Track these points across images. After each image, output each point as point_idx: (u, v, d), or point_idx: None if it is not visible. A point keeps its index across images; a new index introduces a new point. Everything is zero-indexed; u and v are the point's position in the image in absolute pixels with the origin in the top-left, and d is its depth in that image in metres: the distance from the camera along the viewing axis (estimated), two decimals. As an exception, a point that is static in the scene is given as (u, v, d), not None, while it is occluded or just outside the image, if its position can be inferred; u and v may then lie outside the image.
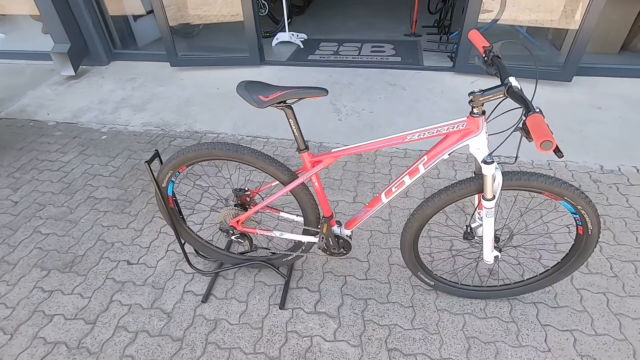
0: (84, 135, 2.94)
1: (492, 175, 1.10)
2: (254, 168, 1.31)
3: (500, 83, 0.99)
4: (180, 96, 3.40)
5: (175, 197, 1.54)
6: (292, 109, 1.14)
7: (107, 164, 2.60)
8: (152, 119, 3.11)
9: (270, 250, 1.71)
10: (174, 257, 1.87)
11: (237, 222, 1.45)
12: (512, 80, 0.96)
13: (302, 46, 4.24)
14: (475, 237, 1.41)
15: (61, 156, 2.70)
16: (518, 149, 1.03)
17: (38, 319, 1.61)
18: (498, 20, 3.47)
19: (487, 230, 1.25)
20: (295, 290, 1.68)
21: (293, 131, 1.18)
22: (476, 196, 1.30)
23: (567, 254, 1.38)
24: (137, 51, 4.17)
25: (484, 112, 1.04)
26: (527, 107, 0.86)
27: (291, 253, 1.59)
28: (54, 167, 2.58)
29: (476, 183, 1.19)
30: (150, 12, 4.48)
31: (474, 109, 1.03)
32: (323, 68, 3.72)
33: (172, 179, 1.41)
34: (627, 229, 1.90)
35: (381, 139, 1.16)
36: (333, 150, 1.23)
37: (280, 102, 1.11)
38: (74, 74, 3.78)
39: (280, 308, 1.60)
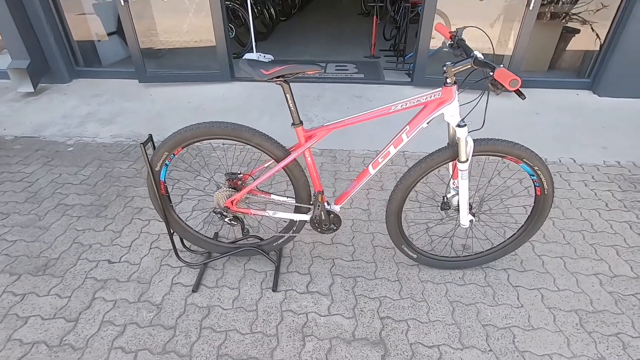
0: (48, 148, 2.82)
1: (465, 138, 1.28)
2: (250, 146, 1.39)
3: (467, 57, 1.18)
4: (150, 110, 3.40)
5: (166, 184, 1.56)
6: (288, 83, 1.26)
7: (77, 173, 2.51)
8: (122, 131, 3.07)
9: (259, 237, 1.75)
10: (159, 253, 1.84)
11: (232, 202, 1.49)
12: (477, 53, 1.16)
13: (269, 65, 4.43)
14: (451, 208, 1.57)
15: (23, 167, 2.57)
16: (485, 113, 1.22)
17: (11, 321, 1.50)
18: (444, 48, 3.92)
19: (462, 193, 1.41)
20: (286, 275, 1.72)
21: (289, 105, 1.29)
22: (451, 166, 1.47)
23: (529, 215, 1.57)
24: (102, 69, 4.12)
25: (455, 82, 1.23)
26: (492, 66, 1.05)
27: (283, 235, 1.65)
28: (15, 178, 2.44)
29: (451, 150, 1.36)
30: (114, 33, 4.49)
31: (447, 79, 1.22)
32: (292, 84, 3.90)
33: (167, 162, 1.45)
34: (572, 205, 2.18)
35: (368, 111, 1.31)
36: (325, 124, 1.35)
37: (279, 77, 1.22)
38: (32, 90, 3.64)
39: (273, 291, 1.63)
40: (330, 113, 3.32)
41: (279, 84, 1.25)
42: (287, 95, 1.27)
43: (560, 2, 4.01)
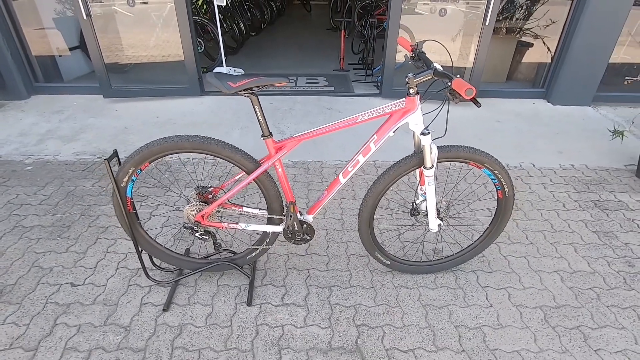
0: (3, 168, 2.67)
1: (430, 145, 1.33)
2: (220, 159, 1.38)
3: (428, 68, 1.24)
4: (115, 126, 3.29)
5: (133, 200, 1.51)
6: (257, 96, 1.27)
7: (36, 193, 2.38)
8: (85, 148, 2.95)
9: (232, 251, 1.72)
10: (126, 273, 1.77)
11: (203, 216, 1.47)
12: (436, 65, 1.22)
13: (240, 79, 4.43)
14: (420, 213, 1.62)
15: (-25, 189, 2.41)
16: (446, 121, 1.28)
17: (-40, 355, 1.39)
18: (408, 62, 4.09)
19: (430, 198, 1.46)
20: (261, 288, 1.70)
21: (258, 118, 1.30)
22: (417, 173, 1.53)
23: (493, 217, 1.65)
24: (63, 84, 3.96)
25: (417, 93, 1.29)
26: (450, 77, 1.11)
27: (256, 247, 1.63)
28: (-34, 201, 2.28)
29: (417, 158, 1.41)
30: (76, 47, 4.35)
31: (410, 90, 1.27)
32: (263, 97, 3.92)
33: (133, 177, 1.41)
34: (533, 207, 2.30)
35: (336, 122, 1.34)
36: (295, 135, 1.37)
37: (247, 90, 1.23)
38: (-14, 107, 3.45)
39: (247, 305, 1.60)
40: (302, 125, 3.35)
41: (248, 97, 1.26)
42: (255, 107, 1.28)
43: (514, 18, 4.29)
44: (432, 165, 1.38)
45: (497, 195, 1.57)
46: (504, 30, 4.28)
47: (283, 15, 10.29)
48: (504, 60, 4.37)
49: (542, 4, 4.08)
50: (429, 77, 1.23)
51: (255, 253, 1.65)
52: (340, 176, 1.45)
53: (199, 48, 4.79)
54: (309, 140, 3.17)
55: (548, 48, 4.00)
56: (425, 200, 1.57)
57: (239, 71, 4.66)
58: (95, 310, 1.58)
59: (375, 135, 1.37)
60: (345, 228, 2.10)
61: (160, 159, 1.35)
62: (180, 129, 3.24)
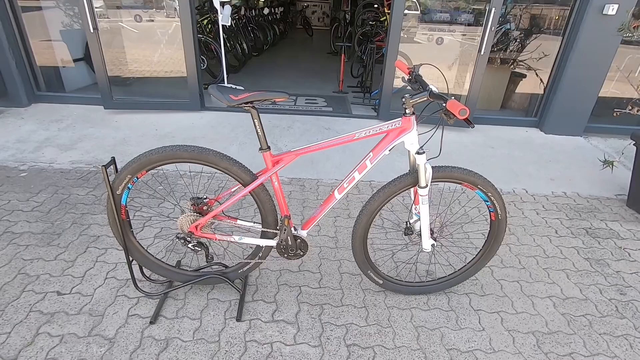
0: (-3, 173, 2.65)
1: (424, 164, 1.36)
2: (217, 170, 1.39)
3: (424, 90, 1.28)
4: (114, 137, 3.31)
5: (128, 209, 1.51)
6: (257, 110, 1.30)
7: (29, 199, 2.36)
8: (82, 157, 2.95)
9: (224, 264, 1.71)
10: (115, 284, 1.74)
11: (196, 227, 1.46)
12: (432, 87, 1.26)
13: (240, 97, 4.50)
14: (414, 233, 1.63)
15: (-33, 193, 2.38)
16: (441, 142, 1.31)
17: (-64, 363, 1.34)
18: (404, 83, 4.21)
19: (424, 217, 1.48)
20: (251, 304, 1.67)
21: (257, 131, 1.32)
22: (412, 193, 1.55)
23: (486, 239, 1.66)
24: (65, 94, 4.00)
25: (414, 113, 1.32)
26: (444, 98, 1.15)
27: (249, 261, 1.62)
28: (-43, 205, 2.26)
29: (412, 177, 1.44)
30: (80, 59, 4.43)
31: (406, 110, 1.31)
32: (263, 115, 3.98)
33: (129, 185, 1.41)
34: (526, 232, 2.31)
35: (334, 138, 1.37)
36: (292, 149, 1.39)
37: (247, 103, 1.26)
38: (-15, 113, 3.46)
39: (237, 320, 1.57)
40: (300, 143, 3.39)
41: (248, 110, 1.29)
42: (255, 120, 1.30)
43: (508, 50, 4.46)
44: (427, 185, 1.40)
45: (490, 218, 1.59)
46: (499, 61, 4.43)
47: (285, 38, 10.58)
48: (498, 89, 4.51)
49: (535, 37, 4.25)
50: (425, 99, 1.27)
51: (247, 267, 1.64)
52: (336, 192, 1.47)
53: (202, 65, 4.88)
54: (306, 155, 3.22)
55: (541, 79, 4.13)
56: (419, 219, 1.58)
57: (240, 88, 4.75)
58: (80, 320, 1.54)
59: (371, 153, 1.40)
60: (339, 246, 2.10)
61: (157, 168, 1.36)
62: (179, 142, 3.26)
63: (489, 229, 1.64)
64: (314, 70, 6.61)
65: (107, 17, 3.77)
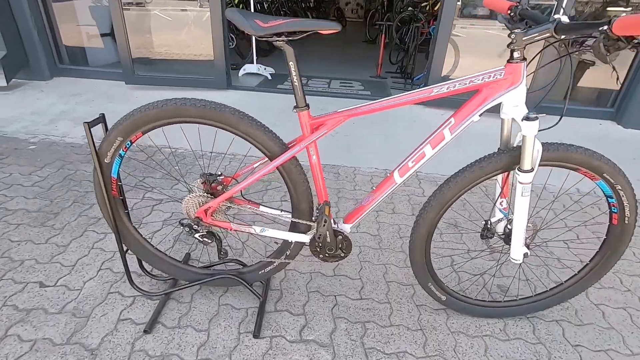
0: (5, 145, 2.43)
1: (534, 139, 0.92)
2: (235, 135, 1.02)
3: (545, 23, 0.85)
4: (133, 113, 3.04)
5: (121, 183, 1.17)
6: (293, 48, 0.91)
7: (31, 173, 2.10)
8: (96, 132, 2.67)
9: (241, 262, 1.35)
10: (109, 277, 1.42)
11: (206, 212, 1.10)
12: (561, 16, 0.83)
13: (270, 78, 4.16)
14: (496, 235, 1.20)
15: (-31, 164, 2.16)
16: (567, 98, 0.87)
17: None
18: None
19: (520, 216, 1.04)
20: (274, 315, 1.30)
21: (293, 80, 0.94)
22: (500, 180, 1.12)
23: (599, 250, 1.20)
24: (87, 68, 3.79)
25: (524, 59, 0.89)
26: (599, 23, 0.71)
27: (272, 261, 1.24)
28: (-45, 175, 2.03)
29: (507, 156, 1.00)
30: (107, 35, 4.22)
31: (514, 53, 0.88)
32: (288, 95, 3.61)
33: (121, 151, 1.07)
34: (623, 244, 1.80)
35: (403, 94, 0.96)
36: (340, 110, 1.00)
37: (280, 34, 0.88)
38: (5, 84, 3.29)
39: (254, 336, 1.20)
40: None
41: (280, 46, 0.90)
42: (290, 63, 0.92)
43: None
44: (532, 169, 0.96)
45: (611, 221, 1.13)
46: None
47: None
48: (564, 77, 3.90)
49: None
50: (548, 35, 0.83)
51: (270, 268, 1.27)
52: (396, 173, 1.06)
53: (230, 43, 4.57)
54: (341, 140, 2.81)
55: (613, 67, 3.50)
56: (505, 218, 1.15)
57: (270, 70, 4.41)
58: (60, 321, 1.22)
59: (452, 119, 0.98)
60: (383, 247, 1.69)
61: (158, 129, 1.01)
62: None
63: (605, 236, 1.18)
64: (349, 57, 6.17)
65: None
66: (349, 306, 1.36)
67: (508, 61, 0.90)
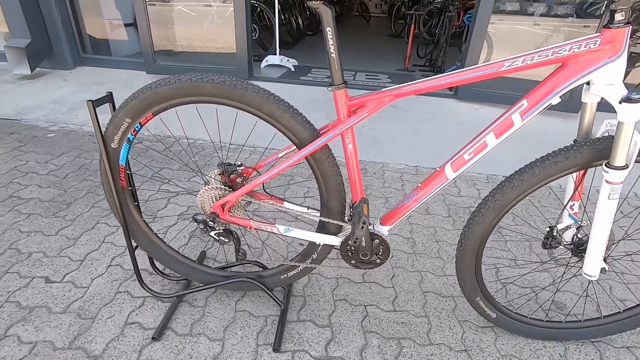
0: (25, 132, 2.39)
1: (633, 126, 0.73)
2: (259, 117, 0.87)
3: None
4: (153, 103, 2.96)
5: (129, 172, 1.04)
6: (331, 10, 0.75)
7: (48, 161, 2.04)
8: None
9: (261, 264, 1.21)
10: (119, 274, 1.30)
11: (222, 207, 0.96)
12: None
13: (293, 69, 4.02)
14: (563, 244, 1.00)
15: (-13, 151, 2.12)
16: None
17: None
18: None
19: (601, 224, 0.84)
20: (296, 325, 1.15)
21: (329, 51, 0.77)
22: (573, 179, 0.92)
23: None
24: (109, 57, 3.76)
25: (629, 22, 0.70)
26: None
27: (296, 265, 1.09)
28: (-28, 162, 1.98)
29: (590, 150, 0.81)
30: (130, 25, 4.19)
31: (616, 15, 0.68)
32: (317, 87, 3.45)
33: (130, 135, 0.94)
34: (698, 257, 1.56)
35: (463, 69, 0.78)
36: (385, 89, 0.83)
37: (318, -8, 0.72)
38: (29, 72, 3.28)
39: (274, 350, 1.06)
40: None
41: (316, 7, 0.74)
42: (327, 29, 0.76)
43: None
44: (627, 165, 0.77)
45: None
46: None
47: (341, 22, 9.95)
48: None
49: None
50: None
51: (293, 273, 1.12)
52: (448, 167, 0.88)
53: (253, 35, 4.46)
54: (368, 133, 2.63)
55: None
56: (575, 224, 0.96)
57: (293, 61, 4.26)
58: (63, 322, 1.12)
59: (524, 101, 0.79)
60: (418, 252, 1.51)
61: (171, 109, 0.87)
62: (222, 114, 2.83)
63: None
64: (374, 50, 5.95)
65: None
66: (381, 319, 1.19)
67: (605, 26, 0.70)
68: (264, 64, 4.13)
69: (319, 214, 1.01)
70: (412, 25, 4.30)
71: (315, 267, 1.11)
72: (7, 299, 1.18)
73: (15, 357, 1.01)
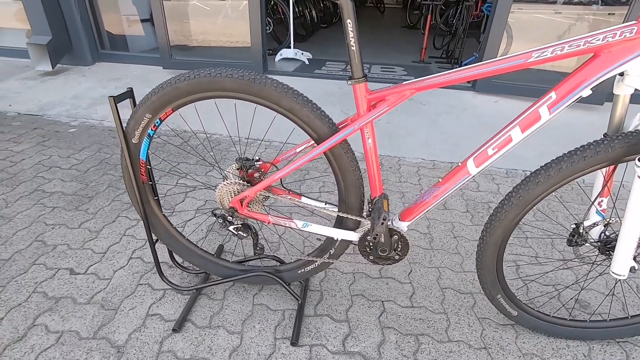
0: (47, 128, 2.45)
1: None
2: (276, 112, 0.87)
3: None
4: (170, 97, 2.99)
5: (151, 166, 1.06)
6: (352, 1, 0.73)
7: (70, 156, 2.09)
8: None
9: (278, 258, 1.21)
10: (139, 267, 1.33)
11: (241, 202, 0.96)
12: None
13: (307, 63, 4.00)
14: (589, 241, 0.97)
15: (13, 146, 2.18)
16: None
17: None
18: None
19: (633, 221, 0.81)
20: (313, 319, 1.15)
21: (349, 44, 0.76)
22: (603, 176, 0.89)
23: None
24: (127, 53, 3.81)
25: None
26: None
27: (313, 260, 1.09)
28: (-1, 156, 2.05)
29: (622, 144, 0.78)
30: (147, 20, 4.23)
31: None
32: (332, 80, 3.43)
33: (150, 130, 0.95)
34: None
35: (488, 61, 0.76)
36: (406, 82, 0.81)
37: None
38: (51, 69, 3.36)
39: (292, 344, 1.06)
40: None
41: (337, 0, 0.73)
42: (347, 21, 0.74)
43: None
44: (663, 159, 0.73)
45: None
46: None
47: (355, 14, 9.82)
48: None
49: None
50: None
51: (310, 267, 1.12)
52: (471, 162, 0.86)
53: (267, 28, 4.45)
54: (384, 126, 2.60)
55: None
56: (603, 221, 0.92)
57: (307, 55, 4.24)
58: (88, 312, 1.15)
59: (553, 94, 0.76)
60: (435, 247, 1.49)
61: (190, 104, 0.87)
62: (238, 109, 2.84)
63: None
64: (389, 42, 5.86)
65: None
66: (399, 314, 1.19)
67: (642, 14, 0.67)
68: (278, 57, 4.12)
69: (337, 210, 1.00)
70: (429, 16, 4.20)
71: (332, 262, 1.11)
72: (34, 289, 1.22)
73: (43, 345, 1.04)
